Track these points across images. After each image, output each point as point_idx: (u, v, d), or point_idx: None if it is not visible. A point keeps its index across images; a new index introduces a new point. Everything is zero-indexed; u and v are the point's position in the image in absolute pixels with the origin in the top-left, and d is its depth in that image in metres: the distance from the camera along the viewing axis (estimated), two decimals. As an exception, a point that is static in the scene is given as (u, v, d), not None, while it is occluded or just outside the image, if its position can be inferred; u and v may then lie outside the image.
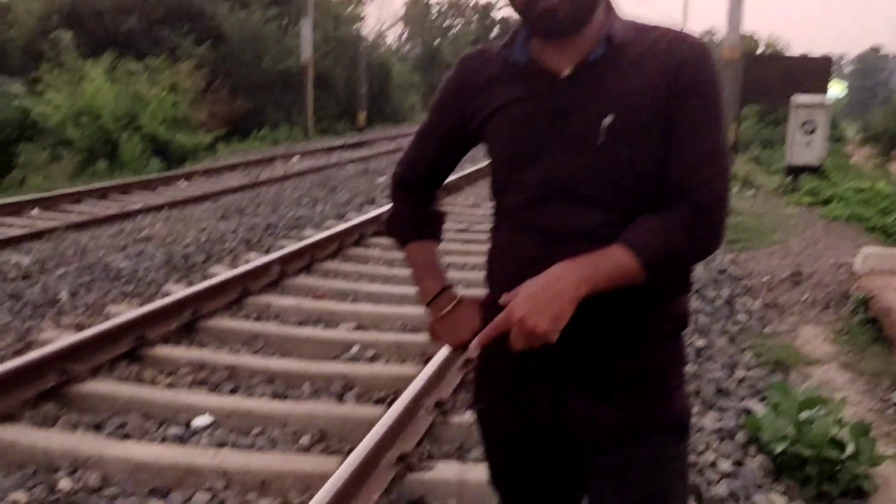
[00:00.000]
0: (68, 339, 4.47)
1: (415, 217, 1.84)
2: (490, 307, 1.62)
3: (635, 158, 1.48)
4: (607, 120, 1.46)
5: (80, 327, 5.09)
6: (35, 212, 10.15)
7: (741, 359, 4.72)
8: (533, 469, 1.68)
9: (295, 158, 16.84)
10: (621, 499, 1.56)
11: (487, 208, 10.52)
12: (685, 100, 1.47)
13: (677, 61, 1.48)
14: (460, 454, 3.60)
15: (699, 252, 1.52)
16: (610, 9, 1.55)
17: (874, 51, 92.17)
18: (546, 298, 1.41)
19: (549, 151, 1.52)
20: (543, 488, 1.70)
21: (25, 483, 3.29)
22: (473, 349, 1.52)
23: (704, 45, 1.52)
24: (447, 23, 59.97)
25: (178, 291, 5.63)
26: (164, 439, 3.73)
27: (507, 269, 1.59)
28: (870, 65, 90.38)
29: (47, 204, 10.57)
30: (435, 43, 50.85)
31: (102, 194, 11.56)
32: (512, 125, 1.57)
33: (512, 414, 1.65)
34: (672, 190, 1.48)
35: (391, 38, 53.44)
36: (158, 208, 10.12)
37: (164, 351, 4.77)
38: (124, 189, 12.09)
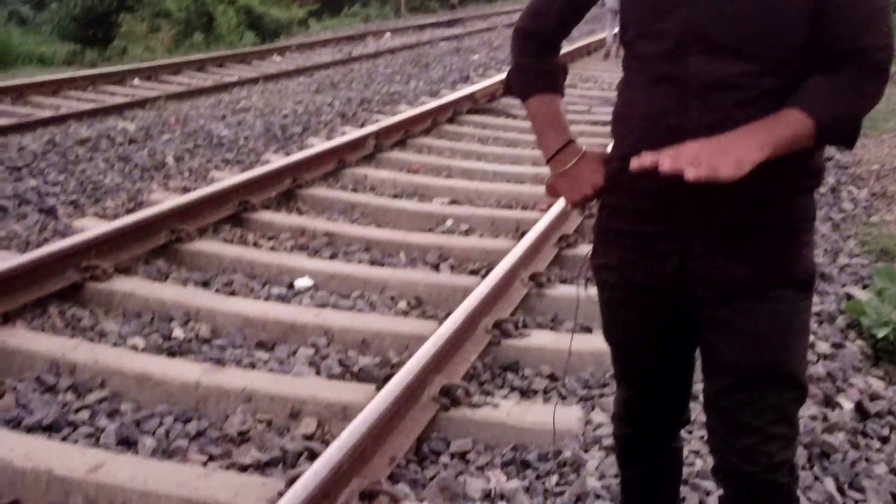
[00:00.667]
0: (176, 200, 4.63)
1: (538, 70, 1.78)
2: (617, 161, 1.61)
3: (779, 9, 1.44)
4: None
5: (185, 190, 5.27)
6: (136, 81, 10.38)
7: (845, 246, 4.60)
8: (650, 322, 1.69)
9: (387, 35, 16.69)
10: (742, 350, 1.55)
11: (583, 88, 10.31)
12: None
13: None
14: (554, 325, 3.65)
15: (867, 111, 1.50)
16: None
17: None
18: (728, 146, 1.40)
19: (691, 1, 1.47)
20: (658, 341, 1.72)
21: (142, 330, 3.50)
22: (637, 165, 1.46)
23: None
24: None
25: (278, 160, 5.75)
26: (268, 297, 3.89)
27: (640, 122, 1.56)
28: None
29: (147, 74, 10.80)
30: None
31: (199, 66, 11.74)
32: None
33: (634, 266, 1.64)
34: (842, 49, 1.44)
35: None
36: (254, 81, 10.23)
37: (266, 216, 4.91)
38: (220, 62, 12.24)
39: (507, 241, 4.58)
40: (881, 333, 3.34)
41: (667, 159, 1.40)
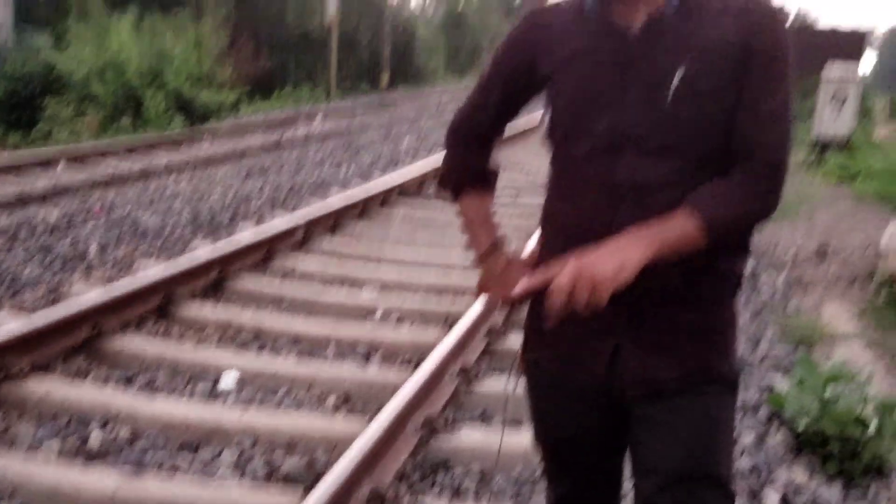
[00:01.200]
0: (99, 293, 4.52)
1: (471, 168, 1.82)
2: (544, 262, 1.63)
3: (706, 111, 1.49)
4: (679, 72, 1.48)
5: (109, 282, 5.14)
6: (61, 166, 10.20)
7: (765, 334, 4.72)
8: (579, 420, 1.71)
9: (318, 118, 16.82)
10: (670, 447, 1.57)
11: (512, 172, 10.49)
12: (760, 62, 1.49)
13: (753, 23, 1.49)
14: (484, 420, 3.63)
15: (763, 214, 1.55)
16: None
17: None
18: (611, 251, 1.44)
19: (620, 101, 1.52)
20: (589, 440, 1.73)
21: (59, 433, 3.35)
22: (521, 291, 1.52)
23: (779, 9, 1.53)
24: (472, -15, 59.28)
25: (205, 250, 5.67)
26: (192, 396, 3.79)
27: (568, 220, 1.60)
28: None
29: (74, 158, 10.62)
30: (459, 6, 50.32)
31: (128, 150, 11.60)
32: (582, 74, 1.57)
33: (565, 364, 1.66)
34: (742, 146, 1.50)
35: (415, 1, 52.98)
36: (183, 166, 10.15)
37: (192, 309, 4.82)
38: (149, 146, 12.13)
39: (437, 331, 4.57)
40: (802, 425, 3.40)
41: (557, 284, 1.44)
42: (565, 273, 1.43)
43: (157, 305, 4.69)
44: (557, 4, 1.67)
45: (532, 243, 1.56)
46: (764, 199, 1.53)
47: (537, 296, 1.66)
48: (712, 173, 1.50)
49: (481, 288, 1.82)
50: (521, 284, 1.56)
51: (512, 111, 1.79)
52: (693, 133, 1.49)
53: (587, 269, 1.42)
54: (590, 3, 1.58)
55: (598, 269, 1.42)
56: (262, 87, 22.53)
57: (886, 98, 33.30)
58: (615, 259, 1.42)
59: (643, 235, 1.46)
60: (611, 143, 1.52)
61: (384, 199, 8.03)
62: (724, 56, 1.48)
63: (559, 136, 1.63)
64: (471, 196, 1.82)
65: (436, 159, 10.26)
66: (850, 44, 15.58)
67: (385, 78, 28.05)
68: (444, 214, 7.69)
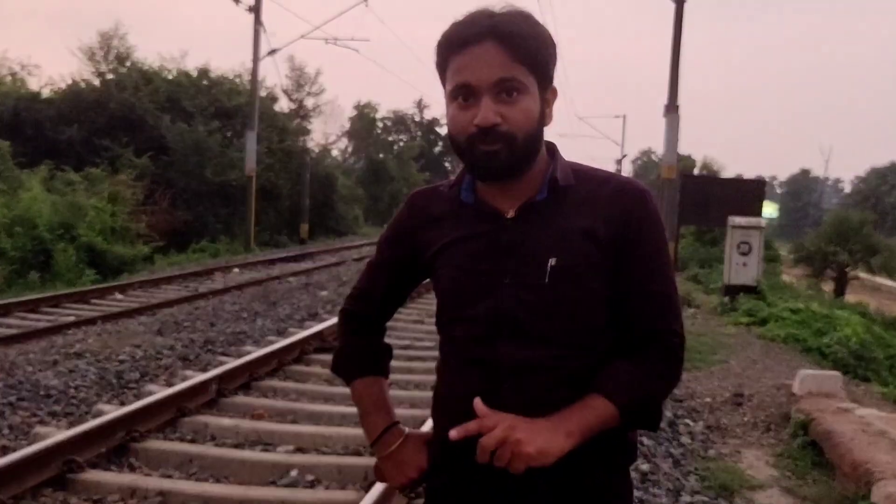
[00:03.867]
0: (-10, 464, 4.23)
1: (363, 352, 1.84)
2: (438, 444, 1.66)
3: (579, 298, 1.54)
4: (552, 261, 1.52)
5: (4, 450, 4.84)
6: (-38, 324, 9.79)
7: (686, 483, 4.68)
8: None
9: (235, 271, 16.70)
10: None
11: (430, 324, 10.50)
12: (637, 247, 1.55)
13: (623, 209, 1.56)
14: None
15: (672, 387, 1.62)
16: (554, 153, 1.63)
17: (804, 173, 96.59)
18: (536, 433, 1.46)
19: (497, 288, 1.56)
20: None
21: None
22: (456, 435, 1.49)
23: (645, 189, 1.61)
24: (392, 137, 61.36)
25: (110, 412, 5.42)
26: (88, 575, 3.51)
27: (454, 403, 1.61)
28: (800, 186, 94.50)
29: (-26, 316, 10.22)
30: (380, 156, 51.75)
31: (32, 307, 11.21)
32: (460, 261, 1.61)
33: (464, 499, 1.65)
34: (640, 328, 1.56)
35: (336, 151, 54.29)
36: (92, 322, 9.85)
37: (93, 476, 4.54)
38: (56, 301, 11.77)
39: (355, 492, 4.40)
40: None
41: (484, 432, 1.46)
42: (493, 435, 1.45)
43: (55, 474, 4.41)
44: (437, 187, 1.73)
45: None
46: (672, 374, 1.60)
47: (434, 477, 1.71)
48: (598, 357, 1.56)
49: (378, 473, 1.79)
50: (459, 430, 1.51)
51: (399, 297, 1.84)
52: (569, 321, 1.54)
53: (514, 441, 1.44)
54: (465, 192, 1.63)
55: (523, 445, 1.44)
56: (179, 239, 22.45)
57: (789, 244, 35.09)
58: (541, 441, 1.45)
59: (568, 423, 1.49)
60: (490, 327, 1.56)
61: (301, 352, 7.89)
62: (595, 244, 1.53)
63: (444, 319, 1.68)
64: (362, 380, 1.82)
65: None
66: (752, 192, 16.41)
67: (305, 229, 28.25)
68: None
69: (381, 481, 1.79)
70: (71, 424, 5.41)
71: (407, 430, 1.78)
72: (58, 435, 4.79)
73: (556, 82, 1.60)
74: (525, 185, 1.58)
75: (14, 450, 4.73)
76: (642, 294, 1.56)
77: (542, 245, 1.54)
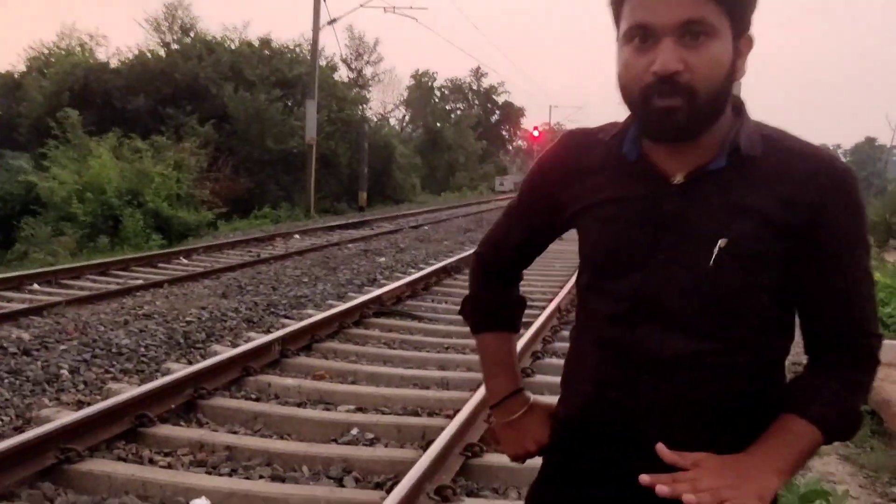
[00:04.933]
0: (67, 417, 4.45)
1: (493, 303, 1.68)
2: (560, 421, 1.53)
3: (749, 289, 1.32)
4: (721, 243, 1.29)
5: (80, 404, 5.08)
6: (35, 286, 10.16)
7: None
8: None
9: (296, 236, 16.97)
10: None
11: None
12: (830, 238, 1.31)
13: (817, 193, 1.30)
14: (460, 542, 3.56)
15: (867, 398, 1.46)
16: (741, 111, 1.37)
17: (870, 141, 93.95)
18: (744, 476, 1.27)
19: (648, 265, 1.35)
20: None
21: (21, 564, 3.25)
22: (648, 481, 1.27)
23: (848, 171, 1.33)
24: (449, 106, 61.21)
25: (179, 370, 5.63)
26: (161, 521, 3.70)
27: (586, 387, 1.44)
28: (866, 155, 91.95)
29: (47, 279, 10.59)
30: (437, 125, 51.72)
31: (103, 270, 11.60)
32: (609, 226, 1.40)
33: None
34: (834, 339, 1.37)
35: (394, 120, 54.41)
36: (159, 284, 10.15)
37: (164, 430, 4.75)
38: (125, 265, 12.14)
39: (413, 450, 4.51)
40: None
41: (683, 493, 1.23)
42: (703, 495, 1.22)
43: (127, 428, 4.62)
44: (596, 132, 1.48)
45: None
46: (871, 381, 1.39)
47: (551, 455, 1.57)
48: (757, 351, 1.35)
49: (493, 436, 1.73)
50: (653, 479, 1.28)
51: (537, 247, 1.64)
52: (727, 309, 1.32)
53: (728, 491, 1.23)
54: (628, 144, 1.39)
55: (737, 495, 1.23)
56: (241, 206, 22.85)
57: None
58: (755, 488, 1.25)
59: (776, 459, 1.30)
60: (633, 309, 1.36)
61: (361, 316, 8.04)
62: (772, 229, 1.30)
63: (584, 283, 1.48)
64: (490, 335, 1.67)
65: (412, 278, 10.34)
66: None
67: (363, 197, 28.49)
68: (420, 333, 7.71)
69: (495, 444, 1.72)
70: (142, 381, 5.64)
71: (533, 397, 1.64)
72: (130, 391, 5.01)
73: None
74: (702, 147, 1.32)
75: (89, 404, 4.95)
76: (835, 293, 1.34)
77: (710, 222, 1.31)
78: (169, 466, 4.35)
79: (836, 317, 1.36)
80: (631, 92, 1.29)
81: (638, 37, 1.26)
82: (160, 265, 12.55)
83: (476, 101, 64.03)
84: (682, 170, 1.34)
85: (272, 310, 8.54)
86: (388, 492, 3.73)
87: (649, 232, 1.35)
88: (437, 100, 61.10)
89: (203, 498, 3.89)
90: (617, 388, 1.37)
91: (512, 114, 67.33)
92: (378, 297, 8.67)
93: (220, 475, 4.24)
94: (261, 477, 4.24)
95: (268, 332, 7.30)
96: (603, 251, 1.41)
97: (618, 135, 1.42)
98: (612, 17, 1.34)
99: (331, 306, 8.65)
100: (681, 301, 1.33)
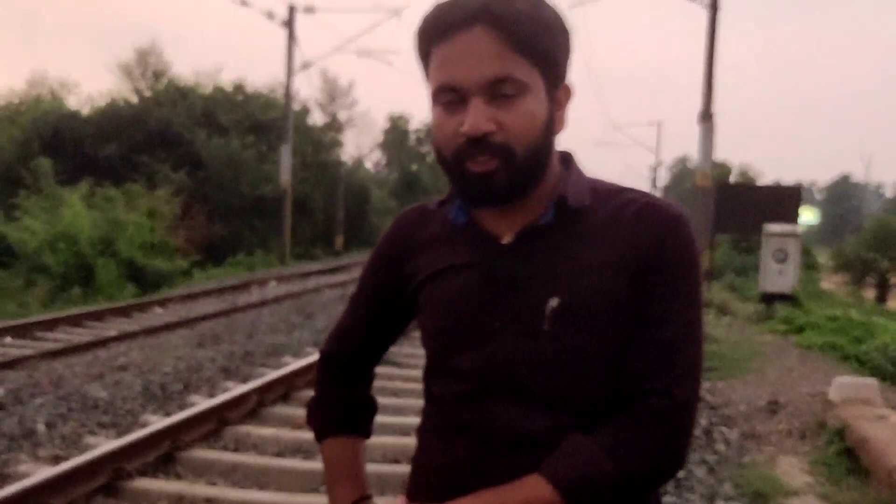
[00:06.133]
0: (45, 472, 4.41)
1: (338, 406, 1.53)
2: None
3: (588, 350, 1.21)
4: (552, 302, 1.20)
5: (57, 459, 5.03)
6: (8, 339, 10.05)
7: (721, 490, 4.74)
8: None
9: (272, 284, 16.93)
10: None
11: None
12: (660, 286, 1.22)
13: (652, 236, 1.23)
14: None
15: (647, 474, 1.21)
16: (569, 164, 1.31)
17: (844, 178, 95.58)
18: None
19: (490, 334, 1.25)
20: None
21: None
22: None
23: (681, 214, 1.26)
24: (425, 148, 61.60)
25: (156, 422, 5.59)
26: (141, 579, 3.66)
27: (435, 478, 1.33)
28: (841, 192, 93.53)
29: (20, 331, 10.48)
30: (413, 168, 52.00)
31: (76, 321, 11.50)
32: (446, 298, 1.30)
33: None
34: (633, 383, 1.22)
35: (370, 163, 54.68)
36: (134, 335, 10.08)
37: (142, 483, 4.70)
38: (99, 316, 12.05)
39: (394, 498, 4.49)
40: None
41: None
42: None
43: (105, 482, 4.57)
44: (427, 205, 1.43)
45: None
46: (653, 450, 1.20)
47: None
48: (592, 425, 1.22)
49: None
50: None
51: (385, 337, 1.53)
52: (576, 379, 1.21)
53: None
54: (456, 211, 1.32)
55: None
56: (216, 253, 22.78)
57: (829, 251, 34.66)
58: None
59: (488, 501, 1.20)
60: (479, 385, 1.25)
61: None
62: (611, 281, 1.21)
63: (428, 372, 1.37)
64: (334, 439, 1.51)
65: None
66: (788, 199, 16.32)
67: (339, 240, 28.51)
68: (399, 380, 7.71)
69: None
70: (119, 434, 5.58)
71: None
72: (107, 445, 4.96)
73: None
74: (530, 205, 1.26)
75: (66, 459, 4.90)
76: (644, 340, 1.21)
77: (542, 282, 1.22)
78: (148, 521, 4.31)
79: (636, 367, 1.21)
80: (444, 155, 1.22)
81: (447, 98, 1.20)
82: (135, 315, 12.47)
83: (449, 144, 64.39)
84: (512, 230, 1.26)
85: (249, 359, 8.50)
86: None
87: (486, 299, 1.25)
88: (412, 142, 61.47)
89: (183, 553, 3.86)
90: (469, 476, 1.25)
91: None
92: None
93: (200, 529, 4.20)
94: (241, 530, 4.21)
95: (245, 381, 7.26)
96: (441, 325, 1.31)
97: (445, 202, 1.37)
98: (423, 72, 1.26)
99: (308, 354, 8.64)
100: (527, 372, 1.22)
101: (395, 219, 1.47)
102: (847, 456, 5.53)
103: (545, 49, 1.19)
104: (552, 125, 1.24)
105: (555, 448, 1.19)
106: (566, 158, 1.32)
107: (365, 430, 1.54)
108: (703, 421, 6.07)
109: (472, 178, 1.19)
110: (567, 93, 1.27)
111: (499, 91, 1.17)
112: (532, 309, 1.22)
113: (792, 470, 5.37)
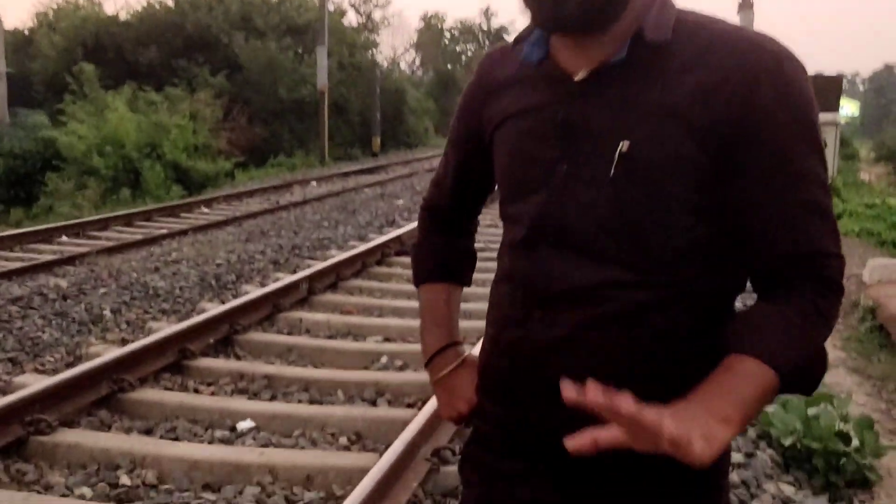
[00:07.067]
0: (117, 351, 4.75)
1: (436, 252, 1.52)
2: (481, 374, 1.35)
3: (660, 203, 1.11)
4: (623, 146, 1.10)
5: (124, 342, 5.38)
6: (63, 238, 10.46)
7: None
8: None
9: (313, 183, 17.18)
10: None
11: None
12: (767, 139, 1.09)
13: (743, 81, 1.08)
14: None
15: (832, 329, 1.16)
16: None
17: (888, 69, 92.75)
18: (685, 423, 0.95)
19: (550, 182, 1.17)
20: None
21: (89, 480, 3.56)
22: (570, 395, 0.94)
23: (783, 51, 1.10)
24: (459, 48, 60.70)
25: (214, 308, 5.91)
26: (211, 441, 4.00)
27: (492, 327, 1.31)
28: (884, 83, 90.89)
29: (74, 230, 10.88)
30: (448, 67, 51.42)
31: (127, 221, 11.87)
32: (515, 141, 1.24)
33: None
34: (785, 261, 1.12)
35: (405, 64, 54.09)
36: (184, 233, 10.43)
37: (205, 362, 5.04)
38: (148, 216, 12.41)
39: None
40: (788, 441, 3.63)
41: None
42: (667, 433, 0.93)
43: (172, 361, 4.92)
44: (507, 46, 1.34)
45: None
46: (835, 312, 1.15)
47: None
48: (678, 284, 1.13)
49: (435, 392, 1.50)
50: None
51: (475, 185, 1.46)
52: (639, 231, 1.12)
53: (680, 440, 0.93)
54: (530, 46, 1.23)
55: (690, 439, 0.94)
56: (257, 155, 23.04)
57: (871, 143, 33.99)
58: (696, 434, 0.95)
59: (722, 404, 1.02)
60: (530, 233, 1.20)
61: (382, 255, 8.30)
62: (687, 127, 1.09)
63: (501, 216, 1.31)
64: (430, 285, 1.51)
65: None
66: (827, 89, 16.05)
67: (377, 142, 28.58)
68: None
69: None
70: (180, 320, 5.92)
71: (467, 352, 1.47)
72: (171, 327, 5.30)
73: None
74: (608, 39, 1.13)
75: (133, 342, 5.25)
76: (781, 205, 1.10)
77: (610, 124, 1.12)
78: (213, 394, 4.65)
79: (778, 237, 1.11)
80: None
81: None
82: (182, 215, 12.81)
83: (487, 42, 63.42)
84: (587, 66, 1.15)
85: (297, 252, 8.81)
86: (420, 409, 4.01)
87: (551, 143, 1.18)
88: (447, 42, 60.62)
89: (248, 420, 4.19)
90: (512, 328, 1.22)
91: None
92: (398, 237, 8.92)
93: (262, 400, 4.53)
94: (300, 401, 4.53)
95: (294, 272, 7.57)
96: (507, 170, 1.26)
97: (521, 38, 1.26)
98: None
99: (353, 247, 8.92)
100: (582, 221, 1.14)
101: (479, 60, 1.39)
102: (879, 332, 5.71)
103: None
104: None
105: (605, 303, 1.12)
106: None
107: (460, 278, 1.52)
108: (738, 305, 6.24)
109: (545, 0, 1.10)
110: None
111: None
112: (599, 154, 1.13)
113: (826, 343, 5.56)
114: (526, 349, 1.19)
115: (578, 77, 1.15)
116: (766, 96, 1.07)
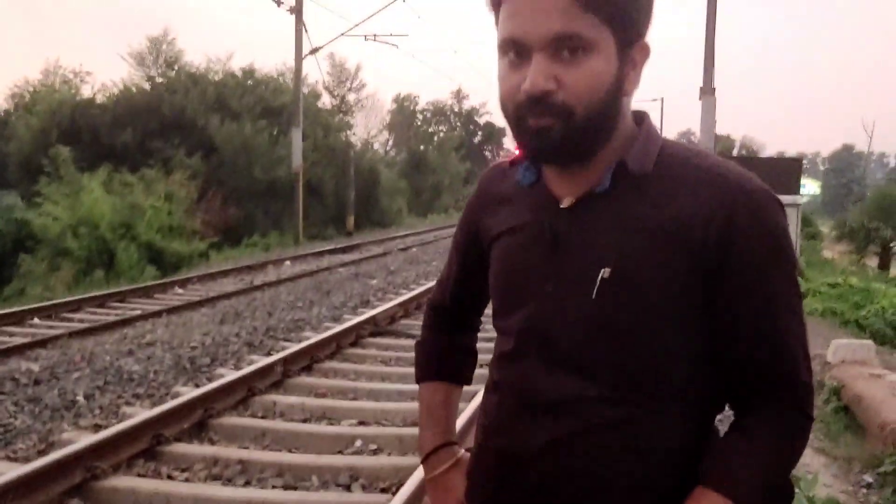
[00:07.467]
0: (90, 438, 4.74)
1: (437, 351, 1.59)
2: (470, 476, 1.43)
3: (640, 322, 1.17)
4: (605, 271, 1.17)
5: (98, 428, 5.37)
6: (35, 321, 10.39)
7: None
8: None
9: (287, 263, 17.24)
10: None
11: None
12: (747, 271, 1.16)
13: (726, 214, 1.15)
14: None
15: (800, 454, 1.23)
16: (643, 123, 1.25)
17: (847, 148, 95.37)
18: None
19: (537, 297, 1.24)
20: None
21: (61, 570, 3.54)
22: None
23: (766, 190, 1.19)
24: (432, 129, 61.70)
25: (189, 392, 5.92)
26: (185, 529, 3.99)
27: (479, 435, 1.38)
28: (843, 162, 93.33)
29: (47, 312, 10.81)
30: (420, 148, 52.17)
31: (101, 302, 11.82)
32: (506, 256, 1.32)
33: None
34: (753, 385, 1.20)
35: (378, 145, 54.81)
36: (158, 314, 10.42)
37: (179, 448, 5.04)
38: (122, 297, 12.37)
39: (415, 458, 4.81)
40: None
41: None
42: None
43: (146, 447, 4.91)
44: (505, 163, 1.42)
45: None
46: (803, 441, 1.22)
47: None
48: (644, 408, 1.19)
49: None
50: None
51: (476, 288, 1.50)
52: (621, 352, 1.18)
53: None
54: (524, 171, 1.31)
55: None
56: (232, 235, 23.13)
57: (832, 221, 34.79)
58: None
59: None
60: (518, 345, 1.27)
61: (357, 336, 8.35)
62: (676, 247, 1.16)
63: (493, 325, 1.37)
64: (428, 385, 1.57)
65: (404, 298, 10.65)
66: (788, 171, 16.52)
67: (351, 221, 28.78)
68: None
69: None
70: (154, 405, 5.92)
71: (462, 451, 1.52)
72: (145, 413, 5.29)
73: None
74: (595, 169, 1.21)
75: (106, 427, 5.23)
76: (753, 332, 1.18)
77: (595, 248, 1.19)
78: (187, 480, 4.64)
79: (750, 362, 1.18)
80: (507, 109, 1.19)
81: (512, 51, 1.16)
82: (157, 296, 12.78)
83: (458, 123, 64.59)
84: (574, 193, 1.23)
85: (271, 333, 8.83)
86: (394, 494, 4.04)
87: (539, 261, 1.25)
88: (419, 123, 61.62)
89: (223, 506, 4.18)
90: (498, 436, 1.29)
91: (494, 134, 67.84)
92: (372, 318, 8.98)
93: (236, 486, 4.53)
94: (274, 487, 4.53)
95: (269, 354, 7.59)
96: (499, 284, 1.34)
97: (516, 160, 1.34)
98: (494, 22, 1.22)
99: (327, 328, 8.96)
100: (566, 336, 1.20)
101: (483, 172, 1.48)
102: (844, 413, 5.81)
103: (618, 6, 1.14)
104: (621, 85, 1.18)
105: (589, 417, 1.19)
106: (640, 118, 1.26)
107: (459, 378, 1.58)
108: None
109: (530, 134, 1.16)
110: (644, 52, 1.21)
111: (563, 48, 1.12)
112: (582, 276, 1.19)
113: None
114: (511, 456, 1.26)
115: (564, 205, 1.24)
116: (742, 226, 1.14)
